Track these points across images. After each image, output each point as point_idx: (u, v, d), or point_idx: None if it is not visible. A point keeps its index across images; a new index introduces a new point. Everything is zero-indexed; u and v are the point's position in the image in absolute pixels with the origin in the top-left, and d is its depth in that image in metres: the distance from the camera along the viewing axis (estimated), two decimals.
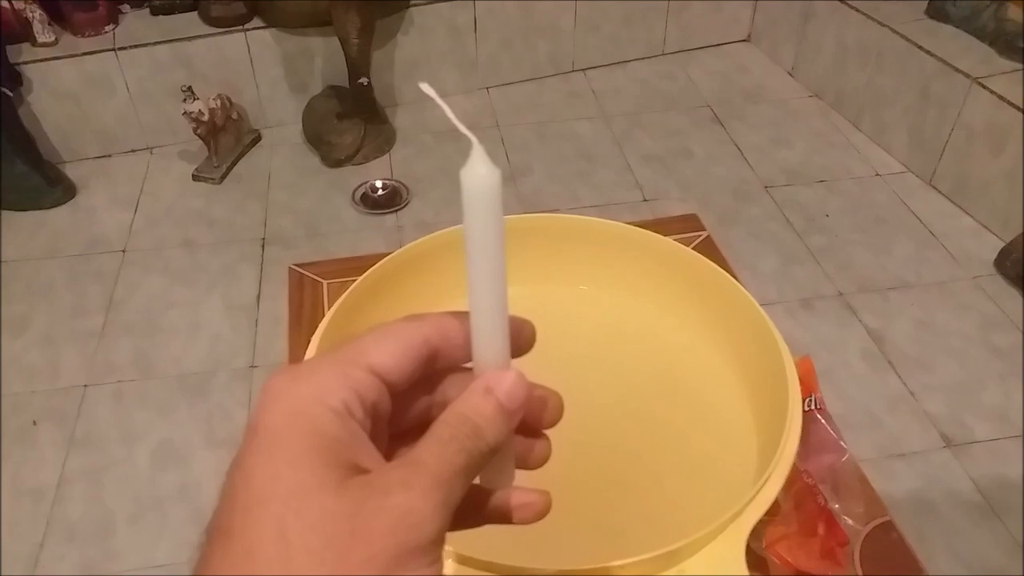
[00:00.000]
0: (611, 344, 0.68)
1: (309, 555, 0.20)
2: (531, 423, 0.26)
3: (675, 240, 0.81)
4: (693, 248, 0.81)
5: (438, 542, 0.22)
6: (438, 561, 0.22)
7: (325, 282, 0.83)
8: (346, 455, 0.22)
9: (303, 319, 0.80)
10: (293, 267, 0.86)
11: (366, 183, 1.84)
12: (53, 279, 1.64)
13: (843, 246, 1.67)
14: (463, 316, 0.25)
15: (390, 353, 0.24)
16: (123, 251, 1.71)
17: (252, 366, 1.46)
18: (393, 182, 1.84)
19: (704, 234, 0.87)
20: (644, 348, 0.67)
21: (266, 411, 0.22)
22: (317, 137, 1.92)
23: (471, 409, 0.24)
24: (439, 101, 0.24)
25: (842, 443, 0.62)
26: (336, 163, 1.90)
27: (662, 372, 0.65)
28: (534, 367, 0.27)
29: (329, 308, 0.64)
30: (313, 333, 0.60)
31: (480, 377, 0.25)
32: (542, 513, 0.27)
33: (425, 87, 0.25)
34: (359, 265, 0.72)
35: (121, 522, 1.24)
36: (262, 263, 1.67)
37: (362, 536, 0.20)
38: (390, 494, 0.21)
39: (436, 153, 1.95)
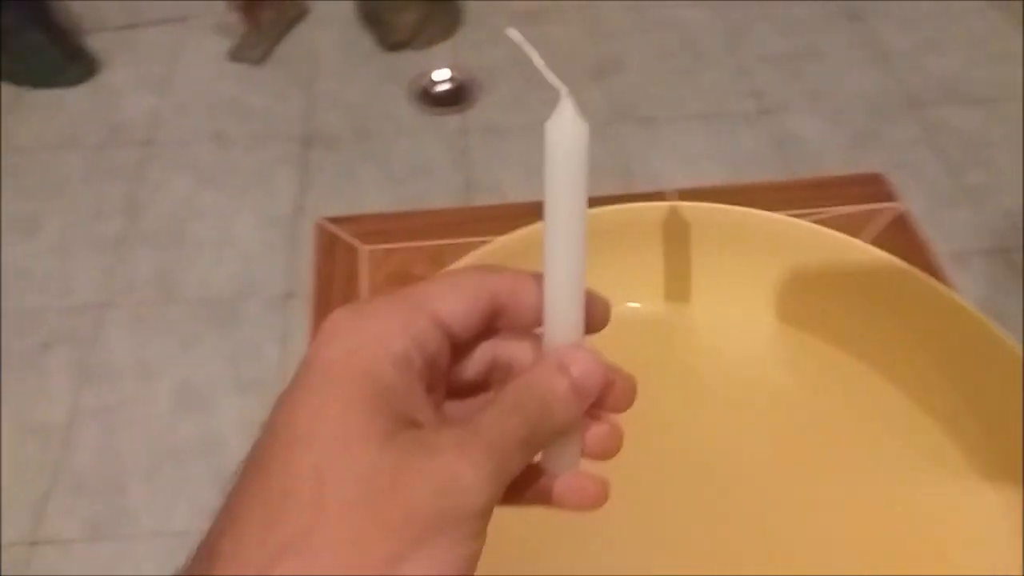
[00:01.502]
0: (790, 408, 0.44)
1: (343, 505, 0.19)
2: (595, 404, 0.23)
3: (853, 209, 0.57)
4: (884, 229, 0.58)
5: (484, 515, 0.20)
6: (482, 535, 0.20)
7: (366, 247, 0.60)
8: (400, 405, 0.20)
9: (332, 298, 0.58)
10: (323, 222, 0.63)
11: (426, 74, 1.56)
12: (69, 173, 1.44)
13: (1009, 186, 1.35)
14: (537, 278, 0.23)
15: (456, 303, 0.22)
16: (147, 143, 1.49)
17: (288, 294, 1.25)
18: (458, 74, 1.56)
19: (896, 207, 0.61)
20: (843, 418, 0.43)
21: (323, 347, 0.21)
22: (373, 14, 1.64)
23: (541, 384, 0.22)
24: (528, 49, 0.21)
25: None
26: (393, 46, 1.62)
27: (875, 461, 0.41)
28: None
29: (367, 287, 0.49)
30: None
31: (553, 352, 0.23)
32: (596, 502, 0.24)
33: (513, 33, 0.22)
34: (408, 226, 0.58)
35: (135, 476, 1.08)
36: (305, 167, 1.44)
37: (402, 494, 0.19)
38: (439, 455, 0.20)
39: (511, 39, 1.65)
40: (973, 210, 1.33)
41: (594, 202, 0.54)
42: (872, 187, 0.62)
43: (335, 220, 0.62)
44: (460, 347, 0.24)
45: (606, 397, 0.23)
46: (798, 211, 0.60)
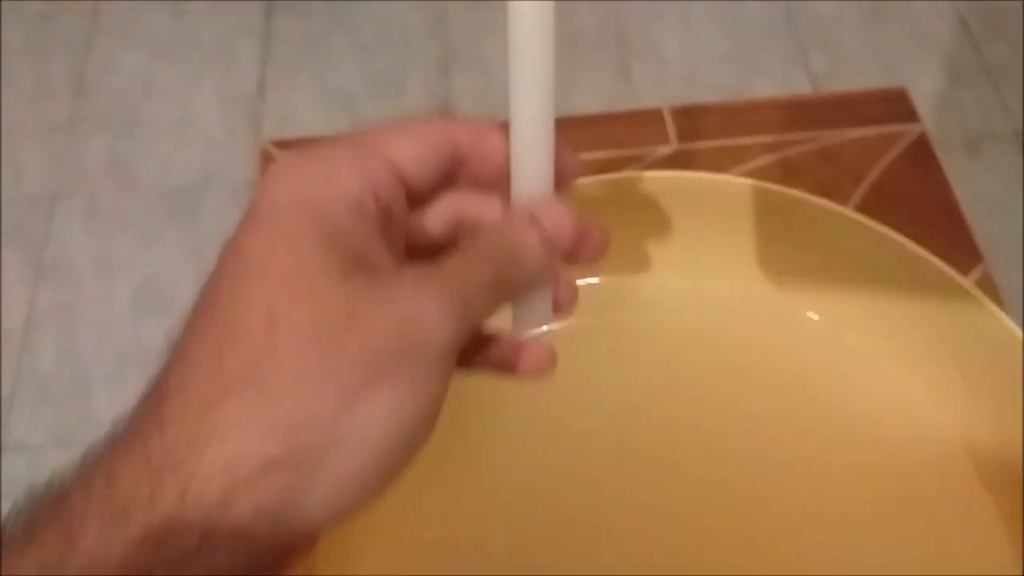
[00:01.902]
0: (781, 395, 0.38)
1: (297, 341, 0.18)
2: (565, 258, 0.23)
3: (869, 132, 0.51)
4: (898, 153, 0.51)
5: (449, 354, 0.19)
6: (446, 377, 0.20)
7: None
8: (355, 248, 0.19)
9: None
10: (268, 146, 0.56)
11: None
12: (9, 47, 1.31)
13: None
14: (502, 129, 0.22)
15: (413, 148, 0.21)
16: (94, 12, 1.35)
17: (252, 184, 1.17)
18: None
19: (915, 129, 0.53)
20: (809, 367, 0.38)
21: (270, 190, 0.20)
22: None
23: (511, 236, 0.21)
24: None
25: None
26: None
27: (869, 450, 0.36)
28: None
29: None
30: None
31: (522, 204, 0.22)
32: (543, 371, 0.24)
33: None
34: None
35: (98, 381, 1.04)
36: (268, 37, 1.31)
37: (360, 330, 0.18)
38: (401, 292, 0.19)
39: None
40: (993, 90, 1.22)
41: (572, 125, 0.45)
42: (893, 106, 0.54)
43: (282, 144, 0.54)
44: (418, 199, 0.22)
45: (578, 251, 0.23)
46: (809, 133, 0.52)
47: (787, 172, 0.50)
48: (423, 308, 0.19)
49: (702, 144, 0.52)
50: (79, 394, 1.03)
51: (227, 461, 0.17)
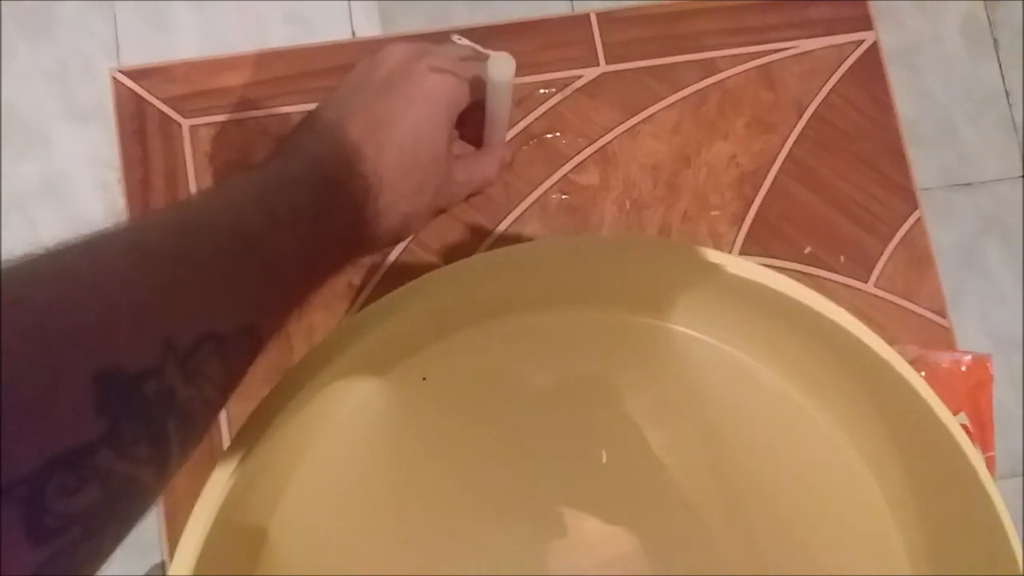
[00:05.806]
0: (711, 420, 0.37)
1: (419, 162, 0.35)
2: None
3: (822, 43, 0.48)
4: (850, 63, 0.49)
5: (455, 205, 0.42)
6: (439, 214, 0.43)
7: (186, 122, 0.46)
8: (450, 131, 0.38)
9: (150, 186, 0.45)
10: (118, 75, 0.47)
11: None
12: None
13: None
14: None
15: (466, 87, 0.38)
16: None
17: None
18: None
19: (867, 38, 0.49)
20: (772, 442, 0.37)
21: (422, 84, 0.36)
22: None
23: (492, 166, 0.42)
24: (464, 42, 0.38)
25: None
26: None
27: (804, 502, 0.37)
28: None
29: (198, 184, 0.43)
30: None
31: (497, 148, 0.42)
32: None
33: (456, 38, 0.39)
34: (250, 78, 0.45)
35: None
36: None
37: (438, 177, 0.37)
38: (457, 177, 0.40)
39: None
40: None
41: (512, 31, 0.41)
42: (848, 10, 0.48)
43: (135, 73, 0.45)
44: None
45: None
46: (745, 49, 0.46)
47: (725, 98, 0.46)
48: (456, 183, 0.39)
49: (632, 64, 0.46)
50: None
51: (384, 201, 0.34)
